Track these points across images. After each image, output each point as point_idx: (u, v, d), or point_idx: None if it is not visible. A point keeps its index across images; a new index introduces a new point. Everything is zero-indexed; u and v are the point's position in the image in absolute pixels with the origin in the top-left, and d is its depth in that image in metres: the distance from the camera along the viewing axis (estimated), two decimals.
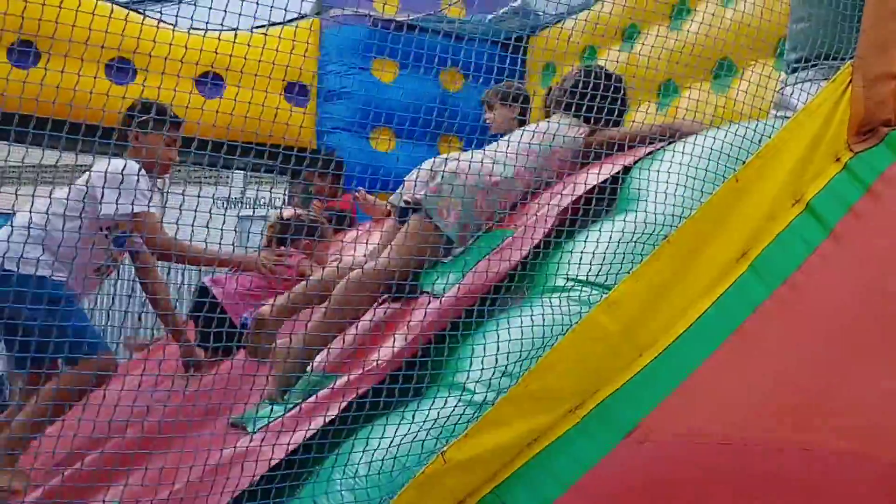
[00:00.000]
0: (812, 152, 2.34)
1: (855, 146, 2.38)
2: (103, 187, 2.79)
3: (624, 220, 2.60)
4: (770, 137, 2.48)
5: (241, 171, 6.77)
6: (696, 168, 2.58)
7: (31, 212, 2.68)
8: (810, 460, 1.98)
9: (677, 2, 5.55)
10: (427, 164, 3.06)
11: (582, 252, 2.52)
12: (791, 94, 2.71)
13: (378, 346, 2.69)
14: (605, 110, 2.70)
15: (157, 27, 2.73)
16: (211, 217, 2.30)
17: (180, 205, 2.30)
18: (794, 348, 2.16)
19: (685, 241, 2.21)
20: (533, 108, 4.67)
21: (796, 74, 2.75)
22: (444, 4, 6.67)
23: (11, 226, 2.81)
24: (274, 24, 2.75)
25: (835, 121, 2.36)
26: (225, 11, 2.30)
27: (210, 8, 2.38)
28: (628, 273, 2.31)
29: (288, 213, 3.89)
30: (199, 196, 2.81)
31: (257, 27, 2.73)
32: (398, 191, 3.17)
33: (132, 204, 2.72)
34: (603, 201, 2.84)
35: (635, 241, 2.46)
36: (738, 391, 2.13)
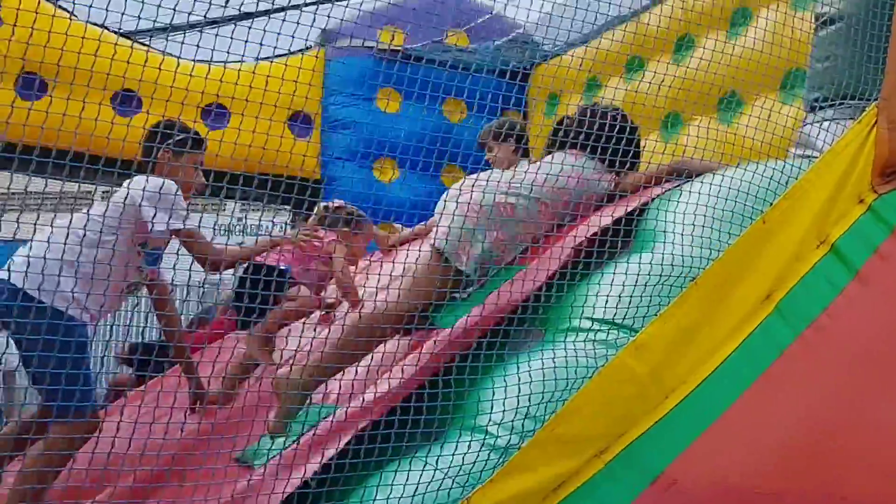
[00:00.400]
0: (837, 194, 2.32)
1: (879, 187, 2.36)
2: (152, 203, 2.71)
3: (645, 261, 2.57)
4: (794, 177, 2.47)
5: (240, 199, 6.72)
6: (719, 207, 2.56)
7: (56, 234, 2.53)
8: None
9: (682, 35, 5.58)
10: (444, 197, 3.03)
11: (605, 294, 2.49)
12: (813, 134, 2.69)
13: (384, 378, 2.66)
14: (624, 155, 2.68)
15: (163, 57, 2.71)
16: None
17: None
18: (822, 392, 2.13)
19: (712, 283, 2.18)
20: (530, 137, 4.73)
21: (817, 113, 2.74)
22: (448, 35, 6.69)
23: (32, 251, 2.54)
24: (279, 55, 2.74)
25: (860, 162, 2.34)
26: (231, 38, 2.31)
27: (216, 36, 2.37)
28: (652, 314, 2.28)
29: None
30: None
31: (262, 58, 2.72)
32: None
33: (182, 220, 2.77)
34: (619, 239, 2.81)
35: (659, 283, 2.43)
36: (766, 437, 2.09)
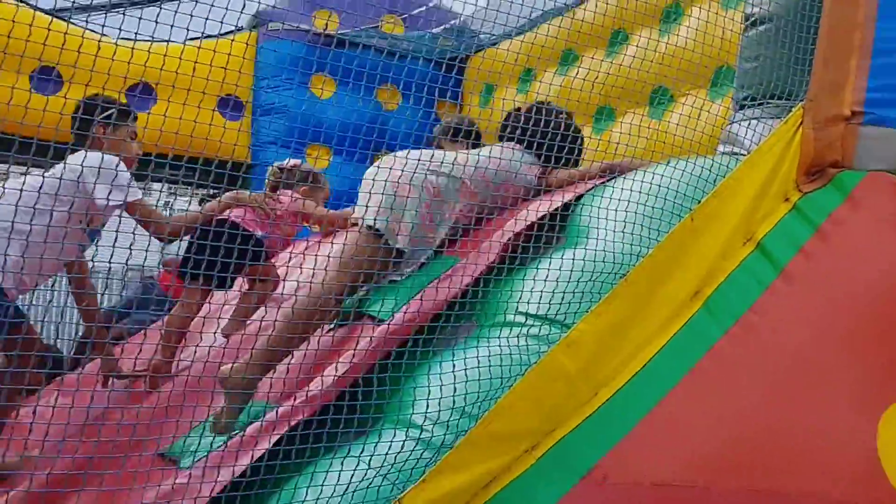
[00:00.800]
0: (764, 192, 2.37)
1: (804, 186, 2.42)
2: (95, 177, 2.66)
3: (575, 256, 2.58)
4: (722, 175, 2.51)
5: (167, 183, 6.57)
6: (648, 203, 2.58)
7: None
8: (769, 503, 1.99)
9: (614, 30, 5.63)
10: (368, 175, 2.97)
11: (537, 287, 2.49)
12: (740, 132, 2.74)
13: (318, 374, 2.62)
14: (564, 155, 2.69)
15: (83, 36, 2.59)
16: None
17: None
18: (748, 388, 2.17)
19: (642, 279, 2.20)
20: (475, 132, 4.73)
21: (744, 112, 2.79)
22: (383, 21, 6.62)
23: None
24: (209, 36, 2.66)
25: (786, 161, 2.40)
26: (156, 23, 2.20)
27: (140, 18, 2.27)
28: (583, 310, 2.29)
29: (291, 162, 4.02)
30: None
31: (192, 39, 2.64)
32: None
33: (127, 193, 2.77)
34: (550, 233, 2.82)
35: (590, 279, 2.44)
36: (694, 432, 2.12)
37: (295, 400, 2.47)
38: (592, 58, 5.22)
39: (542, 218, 2.81)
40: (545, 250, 2.79)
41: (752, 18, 2.80)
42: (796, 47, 2.56)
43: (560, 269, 2.49)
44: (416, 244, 2.89)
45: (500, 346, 2.32)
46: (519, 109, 3.33)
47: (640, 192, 2.61)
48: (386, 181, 2.81)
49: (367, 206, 2.86)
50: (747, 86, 2.79)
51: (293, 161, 4.06)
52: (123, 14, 2.46)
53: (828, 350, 2.22)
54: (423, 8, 6.32)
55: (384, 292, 2.90)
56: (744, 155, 2.71)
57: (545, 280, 2.52)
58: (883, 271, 2.29)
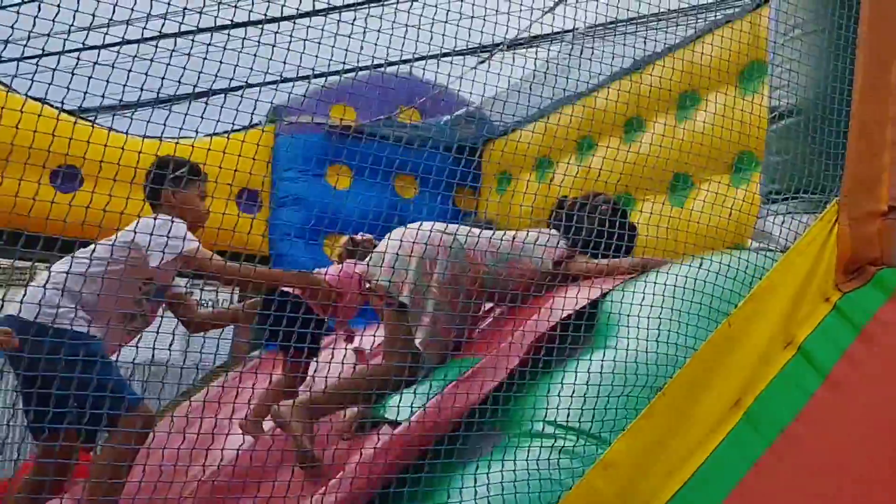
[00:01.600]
0: (802, 293, 2.27)
1: (843, 286, 2.31)
2: (147, 238, 2.76)
3: (605, 360, 2.46)
4: (755, 273, 2.41)
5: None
6: (680, 304, 2.47)
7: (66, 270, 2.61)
8: None
9: (631, 117, 5.61)
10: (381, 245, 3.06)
11: (566, 394, 2.36)
12: (771, 226, 2.65)
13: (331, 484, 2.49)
14: (606, 241, 2.63)
15: (109, 133, 2.60)
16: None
17: None
18: None
19: (679, 391, 2.08)
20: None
21: (775, 206, 2.70)
22: (400, 112, 6.66)
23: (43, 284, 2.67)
24: (226, 131, 2.65)
25: (823, 260, 2.29)
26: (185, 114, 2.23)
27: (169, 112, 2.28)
28: (617, 421, 2.17)
29: (364, 236, 4.04)
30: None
31: (210, 135, 2.65)
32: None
33: (181, 247, 2.81)
34: (577, 332, 2.71)
35: (622, 387, 2.31)
36: None
37: None
38: (608, 146, 5.19)
39: (568, 317, 2.71)
40: (572, 351, 2.68)
41: (778, 111, 2.74)
42: (825, 141, 2.49)
43: (590, 375, 2.36)
44: (418, 301, 2.91)
45: (528, 462, 2.18)
46: (565, 198, 3.35)
47: (672, 291, 2.50)
48: (400, 241, 2.93)
49: (379, 268, 2.93)
50: (775, 179, 2.71)
51: (366, 235, 4.06)
52: (152, 109, 2.48)
53: (878, 462, 2.07)
54: (436, 91, 6.33)
55: (400, 395, 2.80)
56: (776, 251, 2.62)
57: (574, 386, 2.40)
58: None
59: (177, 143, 2.64)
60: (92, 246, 2.74)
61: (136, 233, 2.73)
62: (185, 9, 2.25)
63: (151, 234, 2.64)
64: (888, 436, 2.09)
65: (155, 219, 2.83)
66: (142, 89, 2.15)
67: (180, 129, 2.34)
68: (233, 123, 2.32)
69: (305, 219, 6.17)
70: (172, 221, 2.78)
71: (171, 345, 2.41)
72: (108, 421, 2.59)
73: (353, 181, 6.26)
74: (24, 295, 2.64)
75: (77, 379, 2.35)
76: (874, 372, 2.16)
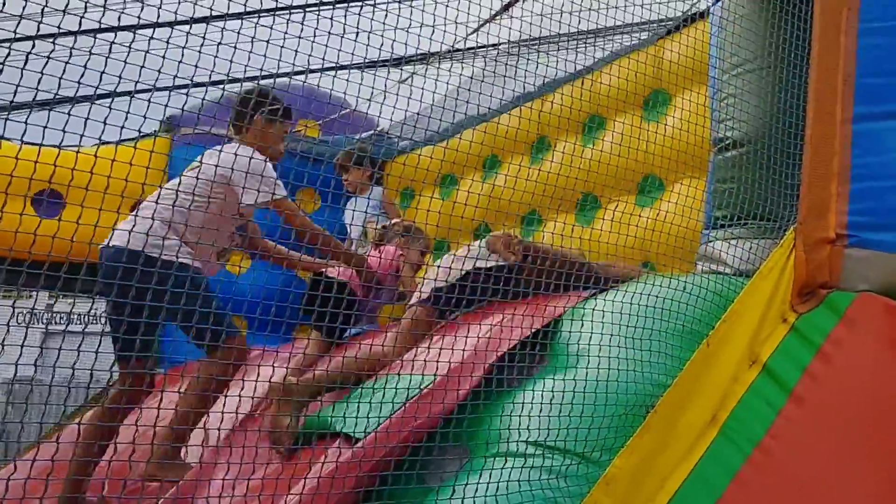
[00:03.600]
0: (765, 314, 2.40)
1: (799, 307, 2.46)
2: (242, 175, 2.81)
3: (571, 378, 2.50)
4: (712, 291, 2.53)
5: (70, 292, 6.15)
6: (638, 322, 2.55)
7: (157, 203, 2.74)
8: None
9: (535, 140, 5.75)
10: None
11: (536, 413, 2.39)
12: (721, 250, 2.79)
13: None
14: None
15: None
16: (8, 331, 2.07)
17: None
18: None
19: (668, 409, 2.15)
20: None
21: (722, 231, 2.85)
22: (300, 125, 6.53)
23: (138, 217, 2.85)
24: (120, 141, 2.52)
25: (782, 283, 2.44)
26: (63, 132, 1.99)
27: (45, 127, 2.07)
28: (589, 437, 2.22)
29: (394, 221, 4.47)
30: None
31: (101, 144, 2.50)
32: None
33: (273, 192, 2.95)
34: (534, 351, 2.75)
35: (592, 403, 2.36)
36: None
37: None
38: (516, 164, 5.29)
39: (526, 339, 2.74)
40: (529, 370, 2.71)
41: (725, 142, 2.90)
42: (776, 170, 2.65)
43: (561, 393, 2.39)
44: None
45: (519, 484, 2.19)
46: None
47: (633, 310, 2.58)
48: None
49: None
50: (722, 205, 2.86)
51: (395, 219, 4.53)
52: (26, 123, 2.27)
53: (845, 470, 2.22)
54: (341, 112, 6.27)
55: (354, 407, 2.74)
56: (726, 273, 2.76)
57: (549, 405, 2.43)
58: (888, 391, 2.34)
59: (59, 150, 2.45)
60: (178, 179, 2.91)
61: (232, 169, 2.73)
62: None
63: (247, 173, 2.69)
64: (853, 446, 2.24)
65: (242, 156, 2.75)
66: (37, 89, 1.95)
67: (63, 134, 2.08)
68: (122, 128, 2.14)
69: None
70: (265, 162, 2.93)
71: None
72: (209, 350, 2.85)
73: None
74: (134, 226, 2.71)
75: (182, 309, 2.48)
76: (834, 387, 2.32)
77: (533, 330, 2.78)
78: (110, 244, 2.90)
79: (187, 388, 2.81)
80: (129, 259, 2.55)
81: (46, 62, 1.91)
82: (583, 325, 2.74)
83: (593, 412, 2.32)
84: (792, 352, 2.38)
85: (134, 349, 2.66)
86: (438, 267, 3.32)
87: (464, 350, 2.68)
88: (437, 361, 2.75)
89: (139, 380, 2.94)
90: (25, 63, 1.91)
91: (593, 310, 2.75)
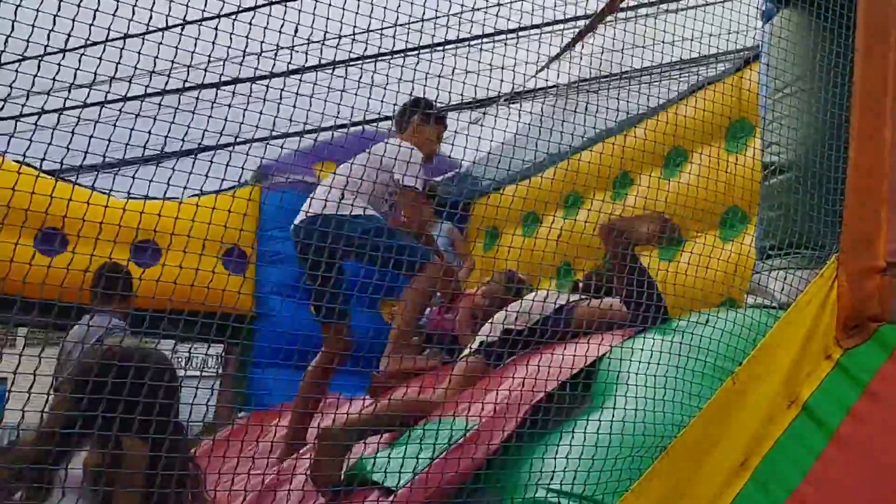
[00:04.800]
0: (804, 350, 2.24)
1: (844, 342, 2.29)
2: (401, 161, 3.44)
3: (606, 423, 2.41)
4: (755, 330, 2.39)
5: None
6: (680, 362, 2.43)
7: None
8: None
9: (618, 175, 5.64)
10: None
11: (569, 460, 2.30)
12: (768, 283, 2.64)
13: None
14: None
15: (91, 194, 2.53)
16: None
17: None
18: None
19: (685, 452, 2.03)
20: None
21: (770, 261, 2.69)
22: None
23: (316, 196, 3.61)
24: (214, 191, 2.62)
25: (824, 317, 2.28)
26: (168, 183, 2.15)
27: (151, 180, 2.21)
28: (619, 486, 2.12)
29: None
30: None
31: (196, 195, 2.61)
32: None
33: (415, 181, 3.64)
34: (575, 392, 2.66)
35: (630, 451, 2.26)
36: None
37: None
38: (599, 200, 5.20)
39: (565, 381, 2.66)
40: (569, 412, 2.63)
41: (772, 167, 2.75)
42: (822, 197, 2.50)
43: (595, 438, 2.31)
44: None
45: None
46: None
47: (673, 349, 2.46)
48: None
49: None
50: (771, 234, 2.71)
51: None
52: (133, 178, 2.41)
53: None
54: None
55: (389, 456, 2.73)
56: (774, 307, 2.60)
57: (578, 450, 2.34)
58: None
59: (163, 201, 2.60)
60: (348, 165, 3.47)
61: (395, 160, 3.39)
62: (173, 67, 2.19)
63: (408, 162, 3.43)
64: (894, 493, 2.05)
65: (402, 146, 3.52)
66: (128, 146, 2.08)
67: (167, 187, 2.24)
68: (223, 179, 2.27)
69: (293, 276, 6.13)
70: (412, 150, 3.57)
71: None
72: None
73: None
74: (329, 193, 3.39)
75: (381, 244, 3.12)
76: (881, 429, 2.13)
77: (572, 373, 2.71)
78: (305, 216, 3.57)
79: (400, 314, 3.63)
80: (323, 222, 3.29)
81: (151, 120, 2.05)
82: (620, 365, 2.64)
83: (615, 457, 2.22)
84: (835, 390, 2.20)
85: (335, 313, 3.42)
86: (491, 324, 3.31)
87: (495, 403, 2.64)
88: (467, 413, 2.74)
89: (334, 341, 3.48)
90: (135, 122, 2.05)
91: (632, 349, 2.64)
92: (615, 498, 2.04)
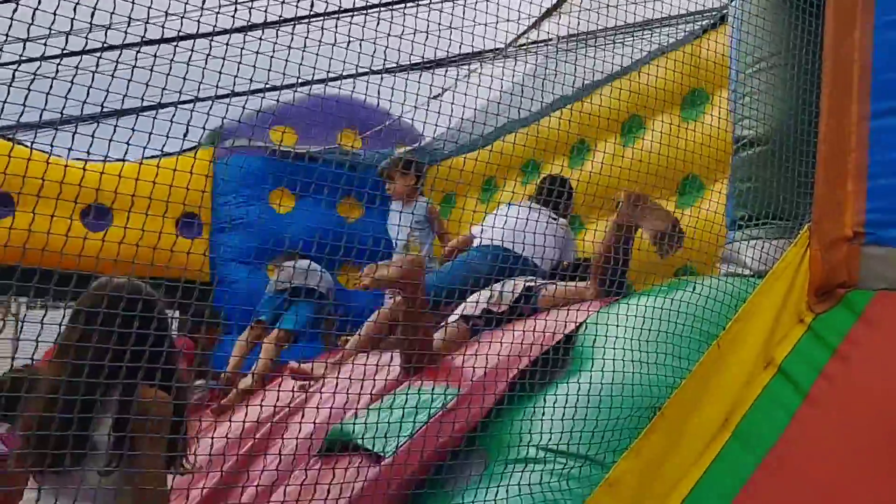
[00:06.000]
0: (779, 315, 2.38)
1: (815, 307, 2.43)
2: None
3: (587, 383, 2.51)
4: (731, 293, 2.51)
5: None
6: (656, 326, 2.54)
7: None
8: None
9: (576, 141, 5.74)
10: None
11: (552, 420, 2.41)
12: (741, 252, 2.77)
13: None
14: None
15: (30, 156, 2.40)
16: None
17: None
18: None
19: (676, 412, 2.15)
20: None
21: (742, 231, 2.82)
22: (339, 138, 6.62)
23: None
24: (165, 154, 2.56)
25: (797, 283, 2.41)
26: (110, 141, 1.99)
27: (93, 137, 2.10)
28: (605, 441, 2.23)
29: None
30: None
31: (147, 158, 2.51)
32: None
33: None
34: (556, 357, 2.76)
35: (609, 409, 2.37)
36: None
37: None
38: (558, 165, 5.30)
39: (553, 345, 2.76)
40: (552, 375, 2.73)
41: (744, 140, 2.87)
42: (794, 169, 2.62)
43: (578, 398, 2.41)
44: None
45: (530, 487, 2.21)
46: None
47: (653, 314, 2.57)
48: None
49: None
50: (743, 205, 2.83)
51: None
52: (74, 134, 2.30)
53: (862, 473, 2.18)
54: (384, 125, 6.33)
55: (377, 422, 2.79)
56: (747, 275, 2.73)
57: (562, 410, 2.44)
58: None
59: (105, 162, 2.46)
60: None
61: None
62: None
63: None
64: (870, 448, 2.20)
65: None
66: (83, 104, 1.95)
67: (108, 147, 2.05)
68: (167, 137, 2.13)
69: (248, 242, 6.10)
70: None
71: None
72: None
73: (297, 204, 6.22)
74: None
75: None
76: (851, 389, 2.28)
77: (555, 341, 2.80)
78: None
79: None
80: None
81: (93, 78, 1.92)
82: (600, 329, 2.75)
83: (600, 416, 2.33)
84: (808, 353, 2.35)
85: None
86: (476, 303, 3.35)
87: (485, 367, 2.72)
88: (460, 379, 2.81)
89: None
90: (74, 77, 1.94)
91: (610, 315, 2.75)
92: (615, 456, 2.14)
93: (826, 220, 2.46)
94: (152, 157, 2.51)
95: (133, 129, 2.04)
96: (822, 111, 2.55)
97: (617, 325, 2.63)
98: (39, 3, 1.79)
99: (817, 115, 2.59)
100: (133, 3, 1.94)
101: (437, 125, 2.77)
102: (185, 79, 2.07)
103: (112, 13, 1.93)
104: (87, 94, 1.96)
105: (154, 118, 2.06)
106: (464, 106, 2.54)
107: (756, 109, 2.76)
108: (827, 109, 2.53)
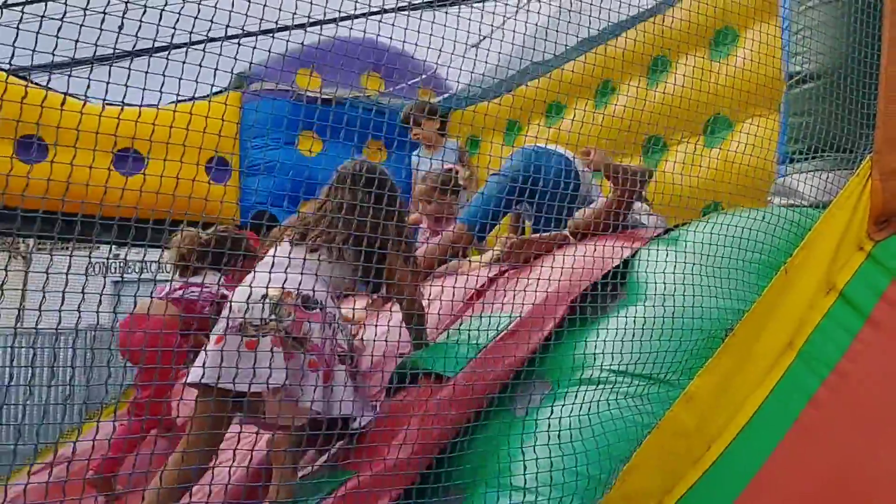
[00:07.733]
0: (841, 243, 2.45)
1: (875, 235, 2.50)
2: None
3: (650, 308, 2.60)
4: (791, 223, 2.59)
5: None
6: (716, 252, 2.61)
7: None
8: None
9: (599, 84, 5.75)
10: None
11: (618, 343, 2.49)
12: (795, 184, 2.83)
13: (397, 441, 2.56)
14: None
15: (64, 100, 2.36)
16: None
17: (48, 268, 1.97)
18: (853, 439, 2.21)
19: (745, 332, 2.24)
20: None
21: (796, 165, 2.88)
22: (363, 80, 6.63)
23: None
24: (191, 98, 2.56)
25: (858, 212, 2.48)
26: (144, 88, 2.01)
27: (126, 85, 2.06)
28: (665, 363, 2.32)
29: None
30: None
31: (172, 102, 2.49)
32: None
33: None
34: (612, 285, 2.84)
35: (671, 332, 2.45)
36: (804, 488, 2.15)
37: (382, 467, 2.41)
38: (581, 109, 5.31)
39: (606, 275, 2.83)
40: (608, 304, 2.80)
41: (798, 77, 2.91)
42: (853, 101, 2.67)
43: (644, 321, 2.49)
44: None
45: (598, 406, 2.30)
46: None
47: (708, 241, 2.64)
48: None
49: None
50: (796, 139, 2.89)
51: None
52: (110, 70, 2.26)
53: None
54: (421, 77, 6.33)
55: (443, 348, 2.88)
56: (803, 206, 2.80)
57: (613, 329, 2.52)
58: None
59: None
60: None
61: None
62: None
63: None
64: None
65: None
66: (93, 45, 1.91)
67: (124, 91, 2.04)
68: (197, 82, 2.11)
69: (278, 186, 6.14)
70: None
71: None
72: None
73: (325, 147, 6.25)
74: None
75: None
76: None
77: (615, 264, 2.87)
78: None
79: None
80: None
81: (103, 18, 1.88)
82: (666, 255, 2.82)
83: (672, 338, 2.41)
84: (868, 278, 2.43)
85: None
86: None
87: (547, 291, 2.79)
88: (523, 301, 2.88)
89: None
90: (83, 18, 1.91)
91: (674, 241, 2.82)
92: (680, 376, 2.24)
93: (887, 152, 2.52)
94: (177, 101, 2.52)
95: (163, 75, 2.02)
96: (883, 43, 2.59)
97: (684, 251, 2.71)
98: None
99: (878, 48, 2.63)
100: None
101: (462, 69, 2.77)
102: (212, 21, 2.04)
103: None
104: (117, 37, 1.92)
105: (184, 62, 2.04)
106: (488, 50, 2.61)
107: (812, 45, 2.80)
108: (888, 41, 2.57)
